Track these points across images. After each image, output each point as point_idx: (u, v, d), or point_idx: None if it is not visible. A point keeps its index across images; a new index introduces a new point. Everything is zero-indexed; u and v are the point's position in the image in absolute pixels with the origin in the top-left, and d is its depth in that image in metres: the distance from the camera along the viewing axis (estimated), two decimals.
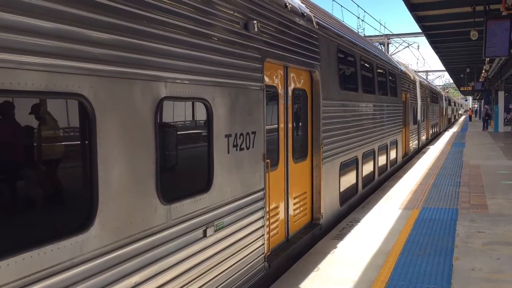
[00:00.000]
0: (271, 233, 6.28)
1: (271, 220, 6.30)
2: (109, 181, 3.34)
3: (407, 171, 15.35)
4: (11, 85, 2.67)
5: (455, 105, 78.86)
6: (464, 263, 6.41)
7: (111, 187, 3.36)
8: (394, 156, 15.49)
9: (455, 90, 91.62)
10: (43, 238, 2.89)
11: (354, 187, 10.42)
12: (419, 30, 23.51)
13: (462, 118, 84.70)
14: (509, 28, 15.76)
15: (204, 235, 4.51)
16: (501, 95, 35.83)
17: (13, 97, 2.79)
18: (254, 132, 5.54)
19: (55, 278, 2.92)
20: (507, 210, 9.48)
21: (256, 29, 5.43)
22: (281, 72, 6.67)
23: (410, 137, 19.22)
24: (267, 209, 5.99)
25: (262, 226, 5.75)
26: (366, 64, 11.66)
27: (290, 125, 6.97)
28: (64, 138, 3.31)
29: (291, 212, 7.04)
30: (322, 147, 7.93)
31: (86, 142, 3.23)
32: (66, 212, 3.24)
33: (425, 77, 51.74)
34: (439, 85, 75.03)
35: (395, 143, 15.36)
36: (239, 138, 5.20)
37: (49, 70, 2.90)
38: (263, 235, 5.77)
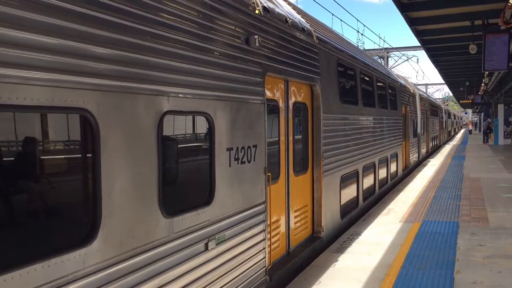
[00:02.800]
0: (272, 246, 6.28)
1: (272, 233, 6.31)
2: (112, 194, 3.36)
3: (408, 184, 15.35)
4: (17, 100, 2.72)
5: (454, 118, 78.96)
6: (465, 277, 6.40)
7: (114, 201, 3.39)
8: (395, 169, 15.50)
9: (455, 103, 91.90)
10: (46, 251, 2.91)
11: (355, 200, 10.42)
12: (419, 44, 23.71)
13: (462, 131, 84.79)
14: (508, 42, 15.92)
15: (206, 248, 4.52)
16: (500, 108, 35.91)
17: (18, 112, 2.83)
18: (255, 146, 5.57)
19: None
20: (508, 223, 9.47)
21: (257, 44, 5.49)
22: (282, 86, 6.73)
23: (410, 150, 19.25)
24: (268, 222, 5.99)
25: (263, 240, 5.76)
26: (366, 78, 11.73)
27: (291, 139, 7.01)
28: (68, 152, 3.34)
29: (292, 225, 7.04)
30: (323, 160, 7.96)
31: (90, 156, 3.26)
32: (70, 226, 3.25)
33: (424, 90, 51.95)
34: (439, 98, 75.27)
35: (395, 156, 15.38)
36: (241, 152, 5.23)
37: (54, 85, 2.94)
38: (264, 248, 5.77)
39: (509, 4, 13.43)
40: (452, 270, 6.69)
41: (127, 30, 3.56)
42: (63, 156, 3.33)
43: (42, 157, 3.16)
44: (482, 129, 44.40)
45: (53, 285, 2.90)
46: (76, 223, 3.31)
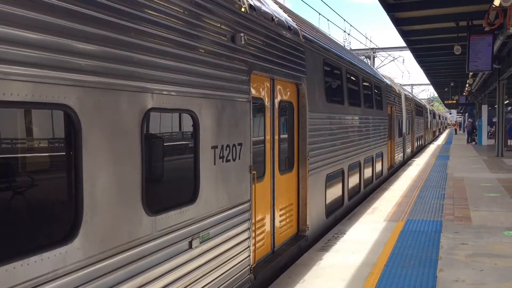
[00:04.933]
0: (257, 245, 6.27)
1: (257, 232, 6.30)
2: (94, 192, 3.32)
3: (393, 183, 15.47)
4: None
5: (439, 118, 79.73)
6: (448, 275, 6.46)
7: (96, 198, 3.35)
8: (380, 168, 15.61)
9: (440, 103, 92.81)
10: (26, 249, 2.87)
11: (340, 199, 10.47)
12: (405, 45, 23.88)
13: (447, 131, 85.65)
14: (492, 43, 16.12)
15: (190, 246, 4.50)
16: (484, 108, 36.35)
17: None
18: (240, 144, 5.56)
19: None
20: (490, 222, 9.59)
21: (243, 42, 5.47)
22: (267, 84, 6.72)
23: (395, 149, 19.39)
24: (253, 221, 5.99)
25: (248, 238, 5.75)
26: (352, 77, 11.78)
27: (276, 137, 7.01)
28: (49, 149, 3.29)
29: (277, 224, 7.04)
30: (308, 159, 7.97)
31: (71, 152, 3.22)
32: (50, 223, 3.21)
33: (410, 91, 52.37)
34: (424, 99, 75.97)
35: (380, 156, 15.49)
36: (226, 150, 5.22)
37: (35, 81, 2.90)
38: (248, 246, 5.76)
39: (493, 6, 13.59)
40: (435, 268, 6.75)
41: (110, 26, 3.52)
42: (44, 153, 3.28)
43: (23, 154, 3.11)
44: (466, 129, 44.88)
45: (33, 283, 2.86)
46: (56, 221, 3.26)
